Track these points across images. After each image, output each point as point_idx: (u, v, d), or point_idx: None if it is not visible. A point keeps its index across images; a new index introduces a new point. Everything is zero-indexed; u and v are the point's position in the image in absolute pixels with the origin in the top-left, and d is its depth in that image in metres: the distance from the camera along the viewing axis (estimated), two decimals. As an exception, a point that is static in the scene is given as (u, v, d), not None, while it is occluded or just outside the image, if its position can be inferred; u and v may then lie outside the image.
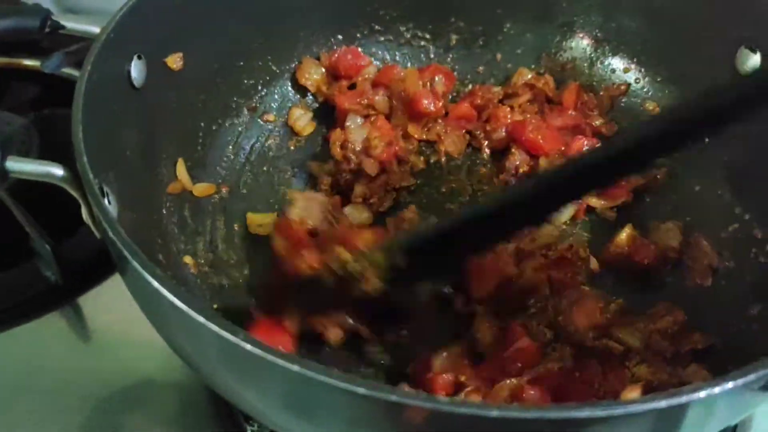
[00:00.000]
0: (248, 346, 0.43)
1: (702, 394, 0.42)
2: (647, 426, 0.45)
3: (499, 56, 0.98)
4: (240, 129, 0.88)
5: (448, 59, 0.98)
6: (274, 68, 0.92)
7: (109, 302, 0.84)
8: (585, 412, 0.40)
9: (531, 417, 0.40)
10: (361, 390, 0.42)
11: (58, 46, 0.74)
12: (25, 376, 0.77)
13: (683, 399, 0.42)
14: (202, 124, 0.84)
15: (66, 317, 0.83)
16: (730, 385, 0.43)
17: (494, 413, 0.40)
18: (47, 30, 0.69)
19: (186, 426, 0.74)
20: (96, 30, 0.68)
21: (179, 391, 0.77)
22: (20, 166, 0.57)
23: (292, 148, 0.90)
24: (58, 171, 0.57)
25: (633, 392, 0.49)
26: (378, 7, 0.94)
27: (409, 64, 0.97)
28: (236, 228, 0.82)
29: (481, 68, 0.98)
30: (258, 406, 0.55)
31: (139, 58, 0.72)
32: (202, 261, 0.77)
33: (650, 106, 0.92)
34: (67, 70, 1.02)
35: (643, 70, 0.92)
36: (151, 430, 0.74)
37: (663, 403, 0.41)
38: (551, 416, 0.39)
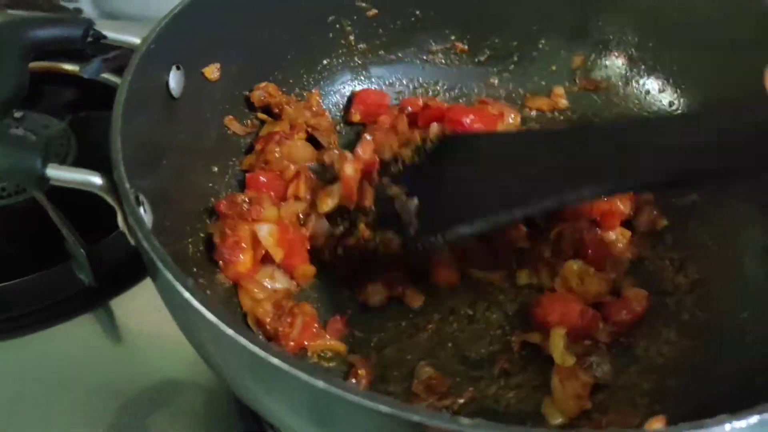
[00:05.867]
0: (276, 361, 0.44)
1: (727, 427, 0.42)
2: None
3: (532, 73, 0.98)
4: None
5: (481, 75, 0.98)
6: (305, 80, 0.93)
7: (140, 305, 0.85)
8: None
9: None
10: (385, 408, 0.42)
11: (97, 51, 0.76)
12: (57, 376, 0.79)
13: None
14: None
15: (98, 319, 0.85)
16: (755, 419, 0.42)
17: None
18: (89, 40, 0.71)
19: (211, 427, 0.75)
20: (137, 41, 0.70)
21: (206, 393, 0.78)
22: (60, 174, 0.58)
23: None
24: (97, 180, 0.58)
25: (657, 423, 0.49)
26: (418, 25, 0.95)
27: (440, 80, 0.98)
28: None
29: (511, 85, 0.98)
30: (282, 417, 0.56)
31: (178, 68, 0.74)
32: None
33: None
34: (104, 75, 1.05)
35: (678, 91, 0.91)
36: (177, 430, 0.75)
37: (687, 435, 0.41)
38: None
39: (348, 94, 0.95)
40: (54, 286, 0.84)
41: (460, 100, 0.97)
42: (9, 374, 0.79)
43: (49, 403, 0.76)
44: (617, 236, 0.79)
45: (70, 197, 0.84)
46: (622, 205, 0.81)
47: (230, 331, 0.45)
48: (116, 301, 0.86)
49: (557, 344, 0.68)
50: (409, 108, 0.90)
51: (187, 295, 0.48)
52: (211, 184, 0.81)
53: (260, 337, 0.69)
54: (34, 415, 0.76)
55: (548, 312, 0.71)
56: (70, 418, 0.76)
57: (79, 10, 1.38)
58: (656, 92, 0.93)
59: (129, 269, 0.86)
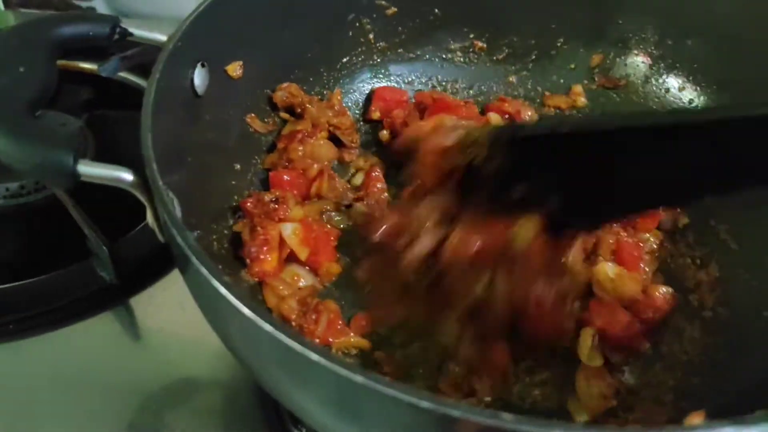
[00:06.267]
0: (314, 355, 0.44)
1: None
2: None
3: (551, 72, 0.98)
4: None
5: (500, 74, 0.98)
6: (325, 79, 0.93)
7: (160, 303, 0.85)
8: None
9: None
10: (425, 404, 0.42)
11: (115, 51, 0.76)
12: (77, 373, 0.79)
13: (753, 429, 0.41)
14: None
15: (118, 317, 0.85)
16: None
17: (557, 433, 0.40)
18: (116, 37, 0.71)
19: (231, 426, 0.75)
20: (163, 38, 0.70)
21: (225, 392, 0.77)
22: (90, 170, 0.58)
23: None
24: (128, 176, 0.58)
25: (696, 418, 0.49)
26: (437, 23, 0.95)
27: (459, 78, 0.98)
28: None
29: (530, 83, 0.99)
30: (311, 411, 0.55)
31: (203, 65, 0.74)
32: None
33: None
34: (121, 74, 1.06)
35: (698, 89, 0.91)
36: (196, 429, 0.75)
37: (728, 430, 0.41)
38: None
39: (367, 92, 0.95)
40: (73, 285, 0.84)
41: (479, 99, 0.97)
42: (28, 372, 0.79)
43: (68, 402, 0.77)
44: (651, 237, 0.79)
45: (90, 195, 0.86)
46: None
47: (268, 327, 0.45)
48: (136, 299, 0.86)
49: (585, 343, 0.68)
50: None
51: (222, 290, 0.48)
52: (234, 182, 0.81)
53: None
54: (53, 413, 0.76)
55: (594, 317, 0.70)
56: (89, 416, 0.75)
57: (92, 9, 1.39)
58: (676, 90, 0.93)
59: (149, 267, 0.86)
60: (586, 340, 0.68)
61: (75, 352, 0.81)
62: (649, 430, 0.39)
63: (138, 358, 0.81)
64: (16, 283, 0.82)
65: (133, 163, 0.59)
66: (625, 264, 0.76)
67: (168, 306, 0.85)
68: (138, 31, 0.71)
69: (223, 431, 0.75)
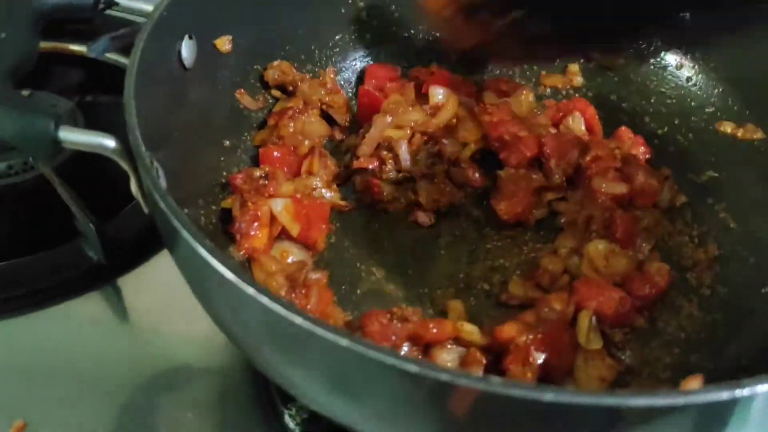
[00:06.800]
0: (299, 320, 0.42)
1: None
2: (699, 419, 0.43)
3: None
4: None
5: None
6: (317, 56, 0.91)
7: (149, 284, 0.84)
8: (642, 401, 0.39)
9: (586, 402, 0.38)
10: (413, 368, 0.41)
11: (104, 30, 0.75)
12: (63, 355, 0.77)
13: (746, 392, 0.40)
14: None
15: (106, 297, 0.83)
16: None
17: (548, 397, 0.39)
18: (101, 6, 0.69)
19: (222, 410, 0.73)
20: (149, 8, 0.68)
21: (216, 376, 0.76)
22: (72, 136, 0.57)
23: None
24: (110, 142, 0.57)
25: (694, 382, 0.47)
26: None
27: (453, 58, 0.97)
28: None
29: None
30: (302, 385, 0.54)
31: (190, 38, 0.72)
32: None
33: (727, 128, 0.88)
34: (112, 56, 1.04)
35: (696, 66, 0.90)
36: (186, 413, 0.73)
37: (725, 395, 0.40)
38: (608, 403, 0.38)
39: (359, 70, 0.94)
40: (61, 264, 0.83)
41: (475, 77, 0.96)
42: (15, 353, 0.77)
43: (54, 383, 0.75)
44: (646, 214, 0.78)
45: (78, 174, 0.85)
46: (656, 183, 0.80)
47: (251, 290, 0.44)
48: (124, 279, 0.84)
49: (583, 326, 0.66)
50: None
51: (207, 256, 0.46)
52: (223, 159, 0.79)
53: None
54: (39, 395, 0.74)
55: (585, 298, 0.69)
56: (76, 398, 0.74)
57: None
58: (674, 68, 0.92)
59: (138, 247, 0.85)
60: (584, 322, 0.66)
61: (62, 332, 0.79)
62: (641, 393, 0.38)
63: (126, 339, 0.79)
64: (2, 263, 0.81)
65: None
66: (620, 240, 0.75)
67: (157, 286, 0.83)
68: (124, 1, 0.70)
69: (213, 413, 0.73)
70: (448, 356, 0.62)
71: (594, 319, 0.68)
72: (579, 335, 0.68)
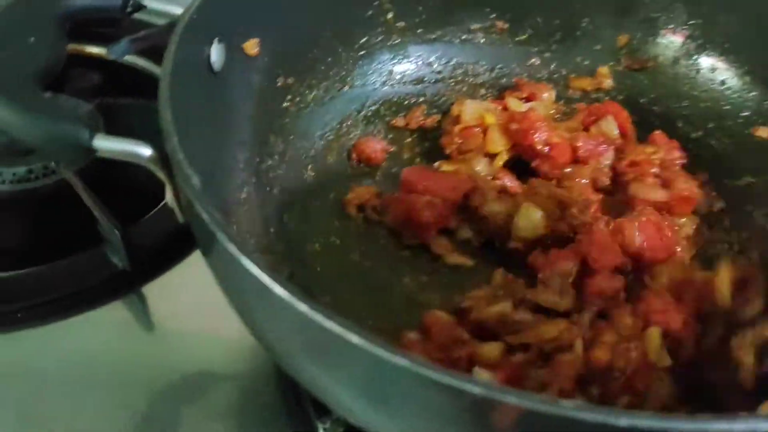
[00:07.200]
0: (355, 338, 0.41)
1: None
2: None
3: (576, 53, 0.95)
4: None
5: (522, 55, 0.95)
6: (344, 59, 0.89)
7: (174, 291, 0.82)
8: (723, 425, 0.37)
9: (666, 427, 0.36)
10: (477, 389, 0.39)
11: (124, 33, 0.73)
12: (88, 363, 0.76)
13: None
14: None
15: (129, 305, 0.82)
16: None
17: (623, 422, 0.37)
18: (129, 9, 0.68)
19: (249, 419, 0.72)
20: (178, 11, 0.67)
21: (243, 385, 0.74)
22: (107, 144, 0.55)
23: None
24: (146, 151, 0.55)
25: (770, 406, 0.46)
26: (458, 3, 0.92)
27: (480, 60, 0.95)
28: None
29: (553, 65, 0.95)
30: (342, 397, 0.53)
31: (219, 41, 0.71)
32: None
33: (763, 133, 0.86)
34: (131, 58, 1.03)
35: (732, 70, 0.88)
36: (211, 422, 0.72)
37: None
38: (689, 428, 0.36)
39: (386, 73, 0.92)
40: (84, 272, 0.81)
41: (502, 80, 0.94)
42: (37, 362, 0.76)
43: (77, 393, 0.73)
44: (687, 221, 0.76)
45: (101, 179, 0.83)
46: (696, 189, 0.78)
47: (303, 307, 0.42)
48: (149, 287, 0.82)
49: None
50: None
51: (252, 267, 0.44)
52: (249, 164, 0.77)
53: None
54: (62, 405, 0.73)
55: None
56: (99, 409, 0.72)
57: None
58: (707, 71, 0.90)
59: (163, 253, 0.84)
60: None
61: (85, 341, 0.78)
62: (722, 417, 0.36)
63: (151, 348, 0.78)
64: (24, 271, 0.80)
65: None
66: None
67: (183, 294, 0.82)
68: (152, 3, 0.68)
69: (240, 424, 0.72)
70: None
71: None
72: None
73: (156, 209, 0.84)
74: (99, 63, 1.05)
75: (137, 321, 0.81)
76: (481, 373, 0.59)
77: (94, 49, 1.06)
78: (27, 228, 0.88)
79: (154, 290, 0.82)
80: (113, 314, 0.80)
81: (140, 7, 0.69)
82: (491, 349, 0.63)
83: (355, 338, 0.41)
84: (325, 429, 0.67)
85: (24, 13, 0.62)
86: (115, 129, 0.93)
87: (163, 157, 0.54)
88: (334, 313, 0.42)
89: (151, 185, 0.61)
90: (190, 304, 0.80)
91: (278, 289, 0.44)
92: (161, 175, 0.55)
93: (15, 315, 0.78)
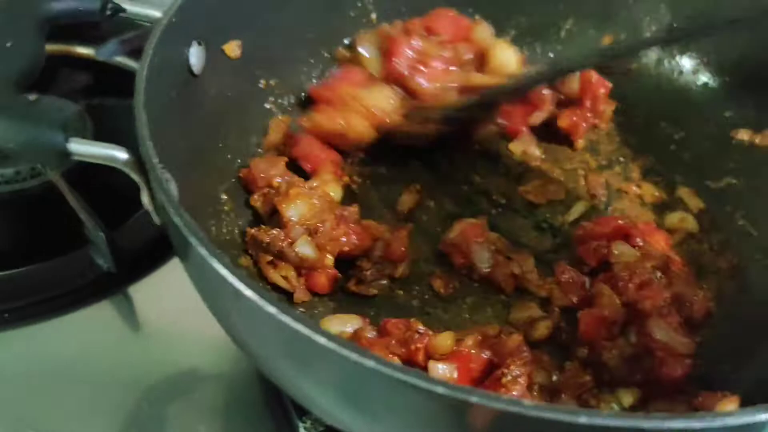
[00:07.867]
0: (322, 340, 0.41)
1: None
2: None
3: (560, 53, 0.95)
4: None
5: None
6: (327, 60, 0.90)
7: (159, 293, 0.83)
8: (680, 423, 0.37)
9: (622, 425, 0.37)
10: (439, 389, 0.39)
11: (112, 34, 0.74)
12: (74, 364, 0.76)
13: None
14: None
15: (116, 306, 0.82)
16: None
17: (582, 419, 0.37)
18: (108, 13, 0.68)
19: (233, 419, 0.73)
20: (158, 14, 0.67)
21: (227, 384, 0.75)
22: (83, 148, 0.55)
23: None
24: (122, 155, 0.55)
25: (730, 404, 0.46)
26: (440, 3, 0.92)
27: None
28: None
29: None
30: (317, 399, 0.53)
31: (199, 44, 0.71)
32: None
33: (744, 135, 0.86)
34: (120, 59, 1.03)
35: (713, 71, 0.89)
36: (197, 422, 0.72)
37: (763, 417, 0.39)
38: (646, 426, 0.36)
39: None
40: (70, 273, 0.82)
41: (486, 81, 0.94)
42: (24, 363, 0.77)
43: (64, 393, 0.74)
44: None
45: (87, 181, 0.84)
46: None
47: (271, 309, 0.43)
48: (135, 288, 0.83)
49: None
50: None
51: (223, 270, 0.45)
52: (230, 166, 0.78)
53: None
54: (49, 405, 0.73)
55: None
56: (86, 408, 0.73)
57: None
58: (689, 73, 0.91)
59: (148, 255, 0.84)
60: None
61: (72, 342, 0.78)
62: (678, 416, 0.37)
63: (137, 348, 0.78)
64: (11, 271, 0.80)
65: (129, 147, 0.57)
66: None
67: (168, 295, 0.82)
68: (131, 7, 0.68)
69: (224, 424, 0.72)
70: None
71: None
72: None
73: (141, 211, 0.83)
74: (87, 63, 1.05)
75: (123, 322, 0.81)
76: (437, 367, 0.61)
77: (83, 50, 1.06)
78: (14, 229, 0.88)
79: (140, 291, 0.83)
80: (99, 315, 0.81)
81: (119, 11, 0.69)
82: (444, 339, 0.64)
83: (322, 339, 0.41)
84: (305, 428, 0.67)
85: (2, 18, 0.63)
86: (103, 130, 0.95)
87: (139, 161, 0.55)
88: (303, 315, 0.43)
89: (136, 188, 0.61)
90: (176, 305, 0.80)
91: (248, 292, 0.44)
92: (137, 178, 0.56)
93: (2, 316, 0.79)
